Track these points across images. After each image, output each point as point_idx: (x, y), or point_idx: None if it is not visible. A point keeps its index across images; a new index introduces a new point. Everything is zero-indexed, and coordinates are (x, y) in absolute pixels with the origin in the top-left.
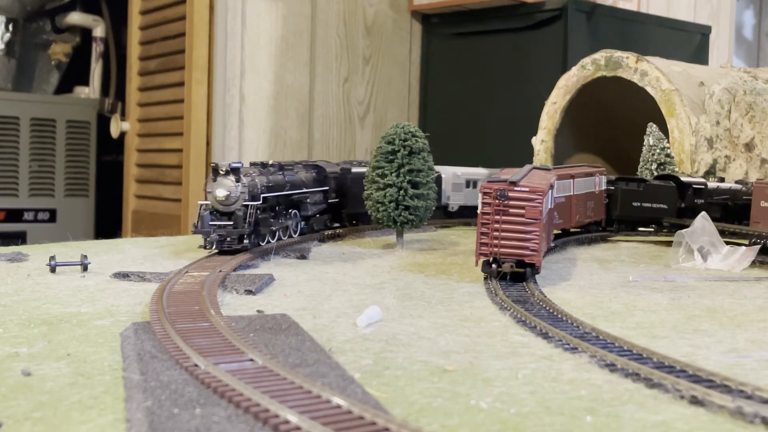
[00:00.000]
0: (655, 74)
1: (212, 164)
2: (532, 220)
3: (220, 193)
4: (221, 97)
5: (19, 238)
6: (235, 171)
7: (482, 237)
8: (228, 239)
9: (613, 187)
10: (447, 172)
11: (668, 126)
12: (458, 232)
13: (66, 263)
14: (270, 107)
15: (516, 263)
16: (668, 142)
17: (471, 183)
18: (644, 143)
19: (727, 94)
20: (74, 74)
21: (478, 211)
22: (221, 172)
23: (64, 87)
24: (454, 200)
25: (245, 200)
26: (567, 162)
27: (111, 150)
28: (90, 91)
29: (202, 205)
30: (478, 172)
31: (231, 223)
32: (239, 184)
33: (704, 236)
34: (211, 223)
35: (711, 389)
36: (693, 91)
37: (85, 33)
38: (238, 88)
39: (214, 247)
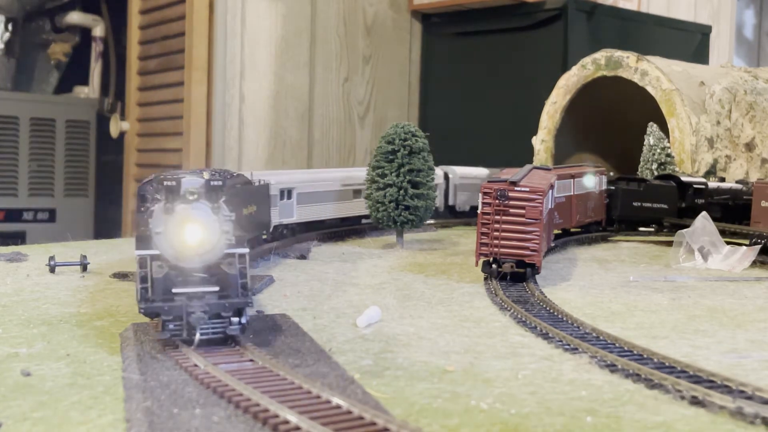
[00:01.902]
0: (656, 74)
1: (160, 177)
2: (532, 220)
3: (194, 235)
4: (221, 97)
5: (19, 238)
6: (213, 191)
7: (482, 237)
8: (219, 317)
9: (613, 187)
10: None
11: (668, 126)
12: (458, 232)
13: (65, 263)
14: (270, 107)
15: (516, 263)
16: (669, 141)
17: (286, 193)
18: (644, 143)
19: (728, 94)
20: (74, 74)
21: (479, 211)
22: (189, 197)
23: (64, 87)
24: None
25: (230, 244)
26: (567, 162)
27: (111, 150)
28: (89, 91)
29: (145, 257)
30: (293, 180)
31: (215, 288)
32: (220, 216)
33: (705, 236)
34: (177, 291)
35: (712, 390)
36: (693, 91)
37: (85, 32)
38: (238, 88)
39: (197, 335)
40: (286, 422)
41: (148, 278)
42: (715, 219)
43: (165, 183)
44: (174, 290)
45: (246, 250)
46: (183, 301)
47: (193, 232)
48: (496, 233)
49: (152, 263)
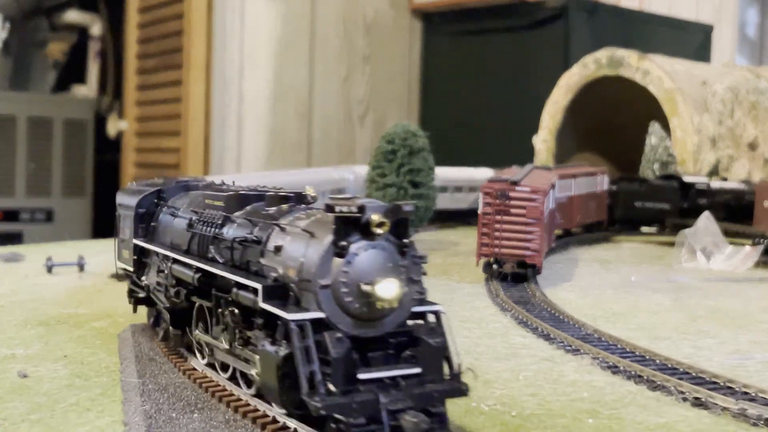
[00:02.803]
0: (658, 73)
1: (329, 202)
2: (533, 220)
3: (389, 290)
4: (220, 97)
5: (17, 239)
6: (401, 223)
7: (483, 237)
8: (430, 413)
9: (615, 187)
10: None
11: (670, 125)
12: (458, 232)
13: (63, 264)
14: (269, 107)
15: (517, 263)
16: (670, 141)
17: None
18: (646, 142)
19: (730, 93)
20: (71, 73)
21: (479, 212)
22: (376, 230)
23: (62, 86)
24: None
25: (419, 296)
26: (569, 162)
27: (109, 149)
28: (87, 90)
29: (305, 325)
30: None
31: (416, 369)
32: (409, 259)
33: (707, 236)
34: (365, 376)
35: (714, 391)
36: (696, 90)
37: (83, 31)
38: (237, 88)
39: None
40: (286, 428)
41: (314, 356)
42: (717, 219)
43: (338, 209)
44: (360, 375)
45: (441, 308)
46: (376, 394)
47: (388, 286)
48: (496, 233)
49: (324, 334)
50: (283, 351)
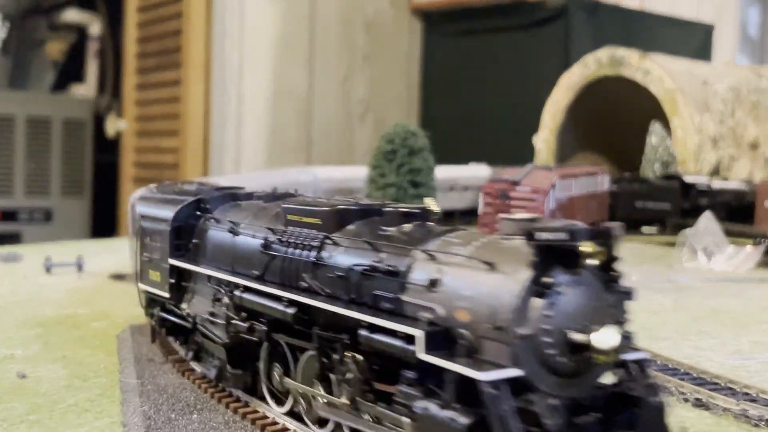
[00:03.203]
0: (658, 73)
1: (525, 226)
2: None
3: (610, 339)
4: (219, 96)
5: (15, 239)
6: (610, 250)
7: None
8: None
9: (616, 187)
10: None
11: (671, 125)
12: None
13: (62, 264)
14: (268, 106)
15: None
16: (671, 141)
17: None
18: (647, 142)
19: (731, 93)
20: (70, 72)
21: (479, 212)
22: (588, 261)
23: (60, 85)
24: None
25: (626, 342)
26: (570, 161)
27: (107, 149)
28: (86, 90)
29: (500, 385)
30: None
31: None
32: (615, 296)
33: (708, 236)
34: None
35: (715, 392)
36: (696, 90)
37: (82, 31)
38: (236, 87)
39: None
40: (285, 429)
41: (517, 428)
42: (718, 219)
43: (540, 235)
44: None
45: (647, 355)
46: None
47: (607, 335)
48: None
49: (532, 398)
50: (464, 419)
